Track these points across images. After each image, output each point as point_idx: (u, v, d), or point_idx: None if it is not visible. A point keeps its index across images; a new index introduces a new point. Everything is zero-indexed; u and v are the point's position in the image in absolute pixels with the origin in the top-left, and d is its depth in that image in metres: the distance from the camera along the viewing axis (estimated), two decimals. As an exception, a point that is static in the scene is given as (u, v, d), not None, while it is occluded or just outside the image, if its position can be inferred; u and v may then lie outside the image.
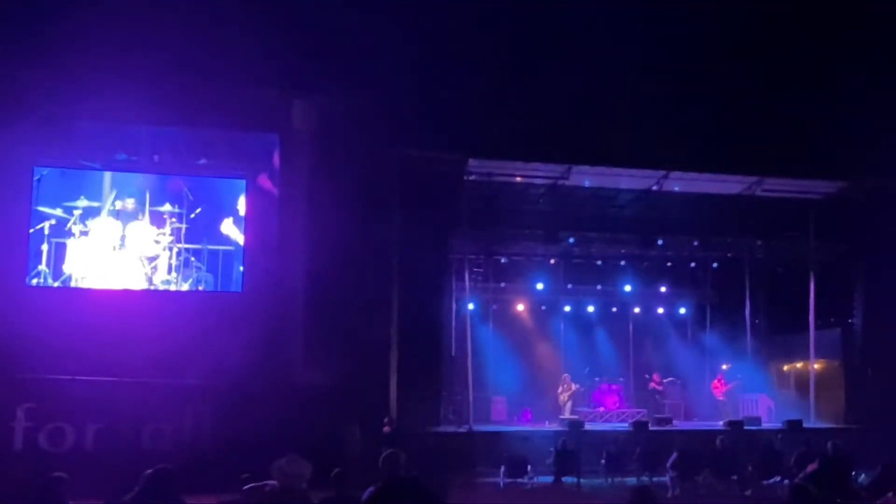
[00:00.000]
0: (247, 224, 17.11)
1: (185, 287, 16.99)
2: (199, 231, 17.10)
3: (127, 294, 16.45)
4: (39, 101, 15.31)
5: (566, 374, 21.22)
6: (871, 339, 20.30)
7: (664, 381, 22.35)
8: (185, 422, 14.53)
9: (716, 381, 22.05)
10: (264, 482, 7.97)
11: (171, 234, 16.94)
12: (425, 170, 17.64)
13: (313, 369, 15.34)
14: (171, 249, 16.94)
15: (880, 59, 18.71)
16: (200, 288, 17.10)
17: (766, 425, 19.52)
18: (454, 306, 20.00)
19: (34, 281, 16.20)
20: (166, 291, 16.75)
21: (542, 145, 18.18)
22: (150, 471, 6.42)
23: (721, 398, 21.67)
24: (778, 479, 14.28)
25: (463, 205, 18.68)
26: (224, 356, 14.50)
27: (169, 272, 16.92)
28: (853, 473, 11.56)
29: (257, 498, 7.85)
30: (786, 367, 23.22)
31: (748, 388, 22.03)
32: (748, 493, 14.27)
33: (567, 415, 20.01)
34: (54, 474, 7.12)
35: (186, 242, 17.00)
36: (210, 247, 17.12)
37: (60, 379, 14.03)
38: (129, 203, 16.81)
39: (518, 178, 19.54)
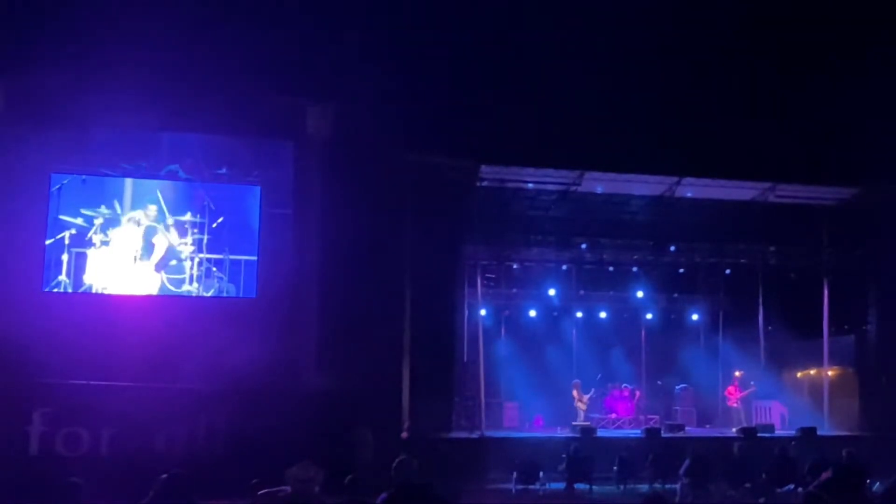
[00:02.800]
0: (261, 230, 17.12)
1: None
2: (220, 241, 16.98)
3: (140, 300, 16.50)
4: (57, 109, 15.44)
5: (577, 381, 21.07)
6: (885, 346, 20.18)
7: (634, 390, 22.06)
8: (199, 427, 14.58)
9: (731, 387, 21.92)
10: (278, 488, 8.02)
11: (192, 244, 16.84)
12: (437, 176, 17.69)
13: (326, 375, 15.40)
14: (192, 259, 16.83)
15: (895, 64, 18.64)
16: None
17: (779, 433, 19.41)
18: (466, 312, 20.01)
19: (55, 290, 16.26)
20: (179, 297, 16.76)
21: (553, 151, 18.23)
22: (164, 475, 6.47)
23: (735, 405, 21.55)
24: (791, 487, 14.19)
25: (475, 211, 18.72)
26: (238, 361, 14.55)
27: (190, 282, 16.82)
28: (868, 482, 11.47)
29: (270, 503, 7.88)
30: (799, 374, 23.09)
31: (761, 395, 21.92)
32: (761, 500, 14.17)
33: (582, 422, 19.94)
34: (70, 479, 7.17)
35: (208, 252, 16.89)
36: (232, 256, 16.98)
37: (76, 384, 14.12)
38: (150, 211, 16.76)
39: (530, 185, 19.56)
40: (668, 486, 14.94)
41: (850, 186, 19.59)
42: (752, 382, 21.87)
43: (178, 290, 16.80)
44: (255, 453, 12.83)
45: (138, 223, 16.71)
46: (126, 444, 14.00)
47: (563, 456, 15.60)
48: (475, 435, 17.91)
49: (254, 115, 16.01)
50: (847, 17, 19.26)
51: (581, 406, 20.57)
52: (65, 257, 16.28)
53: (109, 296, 16.44)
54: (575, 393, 20.68)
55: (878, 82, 18.82)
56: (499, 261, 21.40)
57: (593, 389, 21.20)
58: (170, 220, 16.85)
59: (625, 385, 22.19)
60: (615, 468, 15.74)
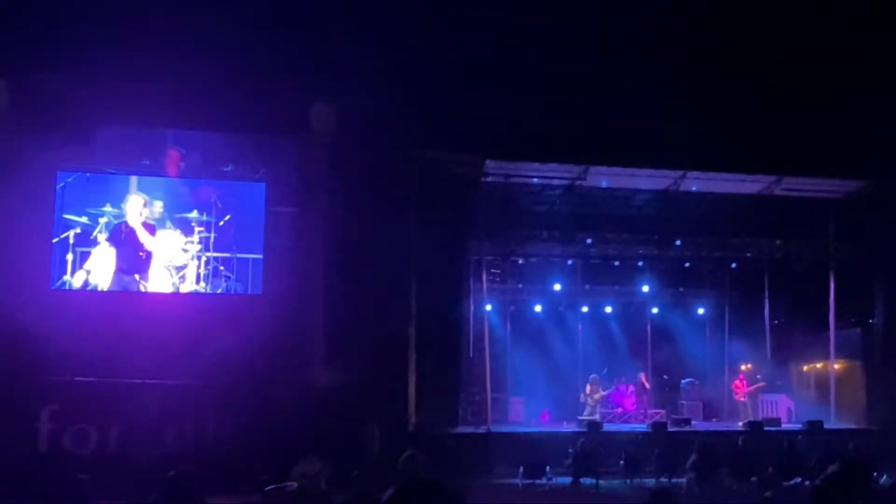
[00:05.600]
0: (266, 226, 17.08)
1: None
2: (228, 239, 16.78)
3: (148, 297, 16.50)
4: (62, 107, 15.46)
5: (595, 376, 21.03)
6: (892, 339, 20.10)
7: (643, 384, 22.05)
8: (207, 423, 14.63)
9: (737, 381, 21.90)
10: (286, 483, 8.06)
11: (199, 243, 16.66)
12: (442, 172, 17.68)
13: (333, 371, 15.43)
14: (199, 258, 16.66)
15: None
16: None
17: (786, 426, 19.43)
18: (472, 307, 20.02)
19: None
20: (187, 294, 16.73)
21: (558, 146, 18.19)
22: (172, 472, 6.52)
23: (742, 399, 21.54)
24: (798, 480, 14.21)
25: (480, 207, 18.72)
26: (244, 358, 14.60)
27: (197, 282, 16.65)
28: (874, 475, 11.47)
29: (279, 499, 7.93)
30: (806, 368, 23.06)
31: (768, 389, 21.90)
32: (768, 494, 14.18)
33: (589, 416, 19.97)
34: (79, 476, 7.22)
35: (215, 251, 16.68)
36: (240, 255, 16.81)
37: (84, 381, 14.19)
38: (156, 209, 16.63)
39: (535, 180, 19.55)
40: (674, 480, 14.95)
41: (856, 179, 19.52)
42: (758, 376, 21.86)
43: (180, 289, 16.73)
44: (262, 450, 12.90)
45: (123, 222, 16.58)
46: (134, 441, 14.07)
47: (570, 451, 15.62)
48: (481, 430, 17.94)
49: (258, 113, 15.99)
50: (853, 10, 19.17)
51: (591, 402, 20.58)
52: (69, 257, 16.18)
53: (117, 293, 16.41)
54: (588, 388, 20.69)
55: (884, 74, 18.74)
56: (504, 256, 21.42)
57: (614, 385, 21.20)
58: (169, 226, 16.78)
59: (641, 373, 22.16)
60: (621, 463, 15.75)
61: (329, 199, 16.38)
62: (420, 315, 17.33)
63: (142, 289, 16.48)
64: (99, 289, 16.33)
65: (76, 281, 16.25)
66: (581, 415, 20.13)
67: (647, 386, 21.98)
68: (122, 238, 16.39)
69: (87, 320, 15.02)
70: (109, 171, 16.66)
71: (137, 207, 16.47)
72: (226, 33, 15.65)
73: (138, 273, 16.48)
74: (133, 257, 16.42)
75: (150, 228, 16.51)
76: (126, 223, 16.40)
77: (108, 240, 16.33)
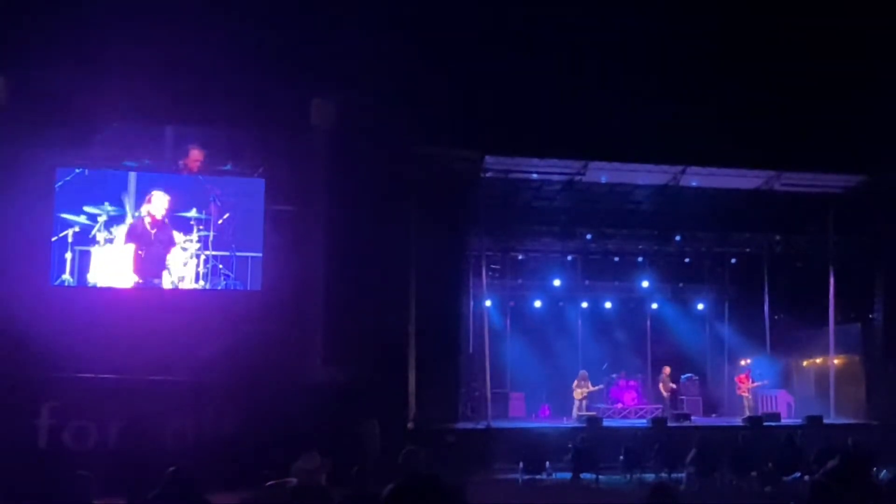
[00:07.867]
0: (265, 224, 17.03)
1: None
2: (227, 237, 16.66)
3: (148, 293, 16.46)
4: (61, 104, 15.43)
5: (583, 371, 21.09)
6: (892, 335, 20.12)
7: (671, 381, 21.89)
8: (207, 420, 14.63)
9: (742, 375, 21.85)
10: (286, 479, 8.07)
11: (198, 242, 16.55)
12: (442, 167, 17.69)
13: (332, 367, 15.45)
14: (198, 257, 16.55)
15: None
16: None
17: (785, 421, 19.44)
18: (471, 303, 20.03)
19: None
20: (186, 290, 16.65)
21: (558, 141, 18.19)
22: (172, 468, 6.53)
23: (744, 394, 21.51)
24: (798, 475, 14.21)
25: (479, 202, 18.71)
26: (244, 355, 14.61)
27: (196, 280, 16.56)
28: (874, 470, 11.48)
29: (279, 495, 7.94)
30: (805, 363, 23.06)
31: (768, 384, 21.92)
32: (768, 489, 14.22)
33: (584, 412, 20.00)
34: (79, 472, 7.22)
35: (214, 249, 16.56)
36: (239, 253, 16.69)
37: (84, 377, 14.18)
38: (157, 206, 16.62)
39: (534, 175, 19.53)
40: (674, 475, 14.96)
41: (856, 174, 19.51)
42: (758, 373, 21.82)
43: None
44: (262, 446, 12.90)
45: (144, 220, 16.54)
46: (134, 437, 14.07)
47: (570, 446, 15.62)
48: (481, 425, 17.95)
49: (257, 108, 15.97)
50: (852, 4, 19.15)
51: (576, 396, 20.52)
52: (68, 256, 16.05)
53: (118, 290, 16.35)
54: (575, 383, 20.66)
55: (884, 69, 18.73)
56: (504, 252, 21.44)
57: (601, 385, 21.20)
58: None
59: (666, 367, 21.93)
60: (621, 458, 15.75)
61: (328, 195, 16.37)
62: (419, 311, 17.34)
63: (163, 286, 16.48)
64: (117, 287, 16.23)
65: (94, 279, 16.17)
66: (580, 410, 20.16)
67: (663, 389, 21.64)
68: (147, 237, 16.33)
69: (87, 317, 15.01)
70: (108, 168, 16.59)
71: (163, 205, 16.39)
72: (225, 29, 15.63)
73: (160, 271, 16.42)
74: (155, 256, 16.37)
75: (167, 228, 16.47)
76: (149, 222, 16.34)
77: (128, 239, 16.21)
